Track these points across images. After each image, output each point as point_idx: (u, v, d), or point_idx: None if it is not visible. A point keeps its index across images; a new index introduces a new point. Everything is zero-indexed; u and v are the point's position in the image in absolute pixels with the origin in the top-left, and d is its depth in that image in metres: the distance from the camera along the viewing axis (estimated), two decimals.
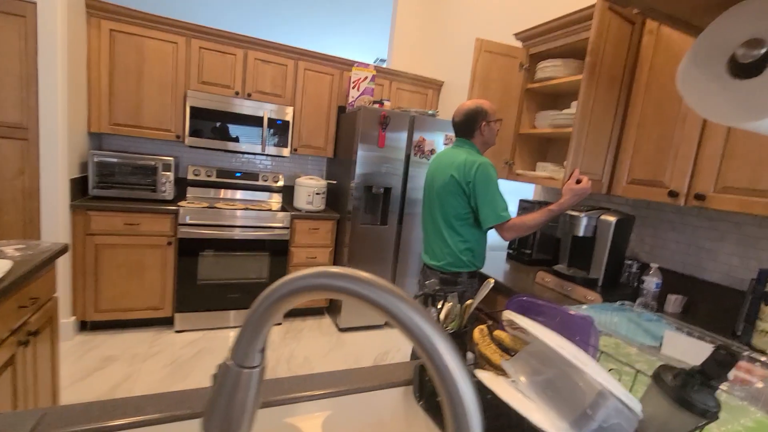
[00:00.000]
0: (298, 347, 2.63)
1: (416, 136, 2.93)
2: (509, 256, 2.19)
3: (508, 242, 2.18)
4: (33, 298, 1.29)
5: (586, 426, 0.56)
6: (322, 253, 2.99)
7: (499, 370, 0.79)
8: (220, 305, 2.72)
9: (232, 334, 2.70)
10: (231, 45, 2.77)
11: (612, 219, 1.56)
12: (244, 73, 2.83)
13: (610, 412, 0.56)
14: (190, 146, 2.75)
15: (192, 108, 2.66)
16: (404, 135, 2.90)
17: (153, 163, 2.57)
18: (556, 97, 2.20)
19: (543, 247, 2.11)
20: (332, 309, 3.09)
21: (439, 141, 3.02)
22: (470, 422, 0.28)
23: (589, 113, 1.56)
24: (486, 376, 0.68)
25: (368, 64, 3.09)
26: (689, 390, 0.61)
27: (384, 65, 3.35)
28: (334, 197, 3.15)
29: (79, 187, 2.41)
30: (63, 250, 1.47)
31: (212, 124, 2.76)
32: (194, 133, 2.71)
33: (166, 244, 2.53)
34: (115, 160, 2.46)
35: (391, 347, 2.77)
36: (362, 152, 2.79)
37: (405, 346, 2.78)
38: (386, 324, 3.09)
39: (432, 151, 3.01)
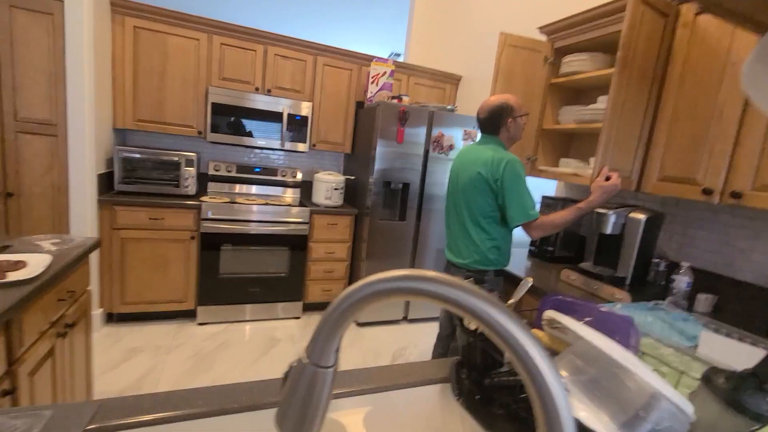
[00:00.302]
0: None
1: (435, 132, 2.92)
2: (531, 254, 2.17)
3: (530, 239, 2.16)
4: (70, 291, 1.33)
5: (638, 428, 0.55)
6: (340, 248, 3.01)
7: None
8: (241, 299, 2.76)
9: (251, 327, 2.74)
10: (251, 41, 2.78)
11: (642, 216, 1.54)
12: (264, 68, 2.85)
13: (664, 415, 0.55)
14: (212, 142, 2.78)
15: (213, 104, 2.69)
16: (423, 130, 2.89)
17: (176, 158, 2.61)
18: (580, 92, 2.16)
19: (566, 245, 2.09)
20: None
21: (457, 136, 2.99)
22: (564, 426, 0.28)
23: (619, 109, 1.52)
24: None
25: (387, 59, 3.08)
26: (742, 393, 0.60)
27: (399, 59, 3.32)
28: (352, 193, 3.16)
29: (105, 182, 2.46)
30: (96, 245, 1.50)
31: (233, 119, 2.78)
32: (215, 128, 2.74)
33: (189, 239, 2.57)
34: (140, 155, 2.51)
35: (408, 343, 2.78)
36: (381, 148, 2.79)
37: (422, 343, 2.79)
38: (404, 319, 3.10)
39: (451, 147, 2.99)
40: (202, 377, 2.13)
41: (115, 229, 2.39)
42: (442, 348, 1.83)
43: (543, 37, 2.11)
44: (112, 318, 2.55)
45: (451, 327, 1.81)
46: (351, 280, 3.09)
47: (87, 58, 2.17)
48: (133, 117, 2.58)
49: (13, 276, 1.09)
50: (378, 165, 2.81)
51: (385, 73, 3.01)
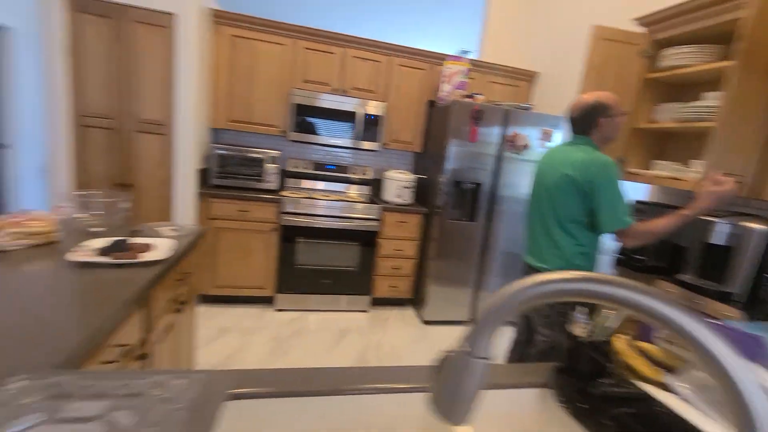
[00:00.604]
0: (384, 336, 2.73)
1: (509, 131, 2.84)
2: (618, 262, 2.03)
3: (618, 246, 2.03)
4: (185, 273, 1.51)
5: None
6: (409, 246, 3.05)
7: (648, 382, 0.76)
8: (314, 289, 2.92)
9: (323, 317, 2.88)
10: (331, 44, 2.91)
11: (761, 227, 1.38)
12: (341, 70, 2.97)
13: None
14: (292, 140, 2.96)
15: (295, 105, 2.86)
16: (497, 130, 2.83)
17: (261, 156, 2.82)
18: (681, 88, 1.97)
19: (659, 254, 1.93)
20: (416, 301, 3.15)
21: (533, 136, 2.89)
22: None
23: (736, 106, 1.38)
24: (653, 390, 0.66)
25: (461, 57, 3.05)
26: None
27: (467, 57, 3.25)
28: (422, 191, 3.18)
29: (201, 177, 2.73)
30: (203, 233, 1.68)
31: (311, 119, 2.94)
32: (296, 128, 2.92)
33: (270, 230, 2.77)
34: (231, 153, 2.75)
35: None
36: (453, 147, 2.78)
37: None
38: (471, 321, 3.07)
39: (525, 146, 2.90)
40: (282, 360, 2.28)
41: (210, 219, 2.64)
42: (518, 354, 1.79)
43: (639, 29, 1.96)
44: (204, 299, 2.83)
45: (527, 333, 1.77)
46: (418, 277, 3.12)
47: (193, 65, 2.43)
48: (227, 117, 2.83)
49: (146, 257, 1.26)
50: (449, 164, 2.80)
51: (459, 71, 2.98)
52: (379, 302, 3.14)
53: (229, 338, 2.44)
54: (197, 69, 2.46)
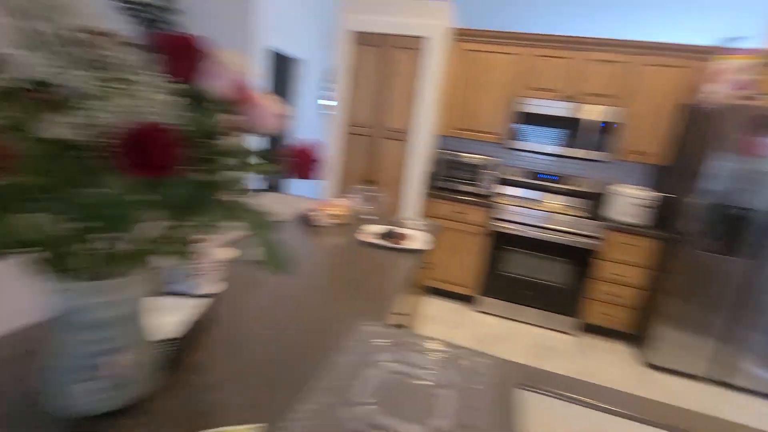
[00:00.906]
0: (596, 367, 2.48)
1: None
2: None
3: None
4: (427, 262, 1.74)
5: None
6: (634, 273, 2.65)
7: None
8: (516, 299, 2.89)
9: (523, 329, 2.82)
10: (564, 48, 2.78)
11: None
12: (573, 75, 2.80)
13: None
14: (509, 148, 2.99)
15: (519, 113, 2.87)
16: None
17: (479, 162, 2.96)
18: None
19: None
20: (638, 338, 2.71)
21: None
22: None
23: None
24: None
25: (742, 49, 2.43)
26: None
27: (742, 45, 2.52)
28: (660, 212, 2.70)
29: (427, 178, 3.07)
30: (438, 229, 1.90)
31: (532, 127, 2.89)
32: (516, 136, 2.92)
33: (481, 234, 2.88)
34: (454, 158, 2.99)
35: (714, 411, 2.18)
36: (717, 161, 2.26)
37: (740, 420, 2.13)
38: (713, 381, 2.45)
39: None
40: None
41: (430, 217, 2.95)
42: None
43: None
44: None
45: None
46: (644, 312, 2.67)
47: (434, 79, 2.74)
48: (451, 125, 3.09)
49: (408, 244, 1.52)
50: (707, 182, 2.29)
51: (739, 67, 2.39)
52: (591, 329, 2.85)
53: (436, 327, 2.68)
54: (436, 83, 2.77)
